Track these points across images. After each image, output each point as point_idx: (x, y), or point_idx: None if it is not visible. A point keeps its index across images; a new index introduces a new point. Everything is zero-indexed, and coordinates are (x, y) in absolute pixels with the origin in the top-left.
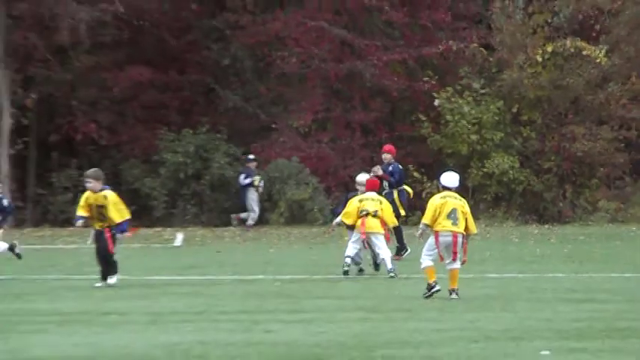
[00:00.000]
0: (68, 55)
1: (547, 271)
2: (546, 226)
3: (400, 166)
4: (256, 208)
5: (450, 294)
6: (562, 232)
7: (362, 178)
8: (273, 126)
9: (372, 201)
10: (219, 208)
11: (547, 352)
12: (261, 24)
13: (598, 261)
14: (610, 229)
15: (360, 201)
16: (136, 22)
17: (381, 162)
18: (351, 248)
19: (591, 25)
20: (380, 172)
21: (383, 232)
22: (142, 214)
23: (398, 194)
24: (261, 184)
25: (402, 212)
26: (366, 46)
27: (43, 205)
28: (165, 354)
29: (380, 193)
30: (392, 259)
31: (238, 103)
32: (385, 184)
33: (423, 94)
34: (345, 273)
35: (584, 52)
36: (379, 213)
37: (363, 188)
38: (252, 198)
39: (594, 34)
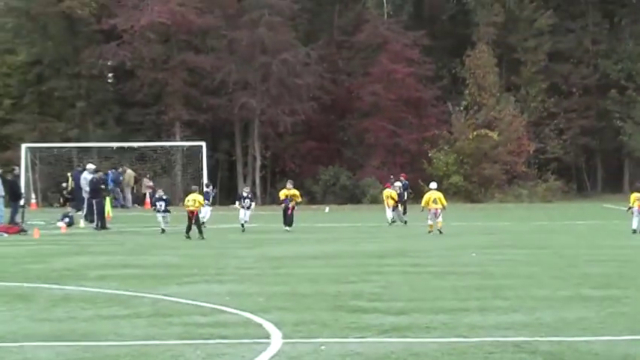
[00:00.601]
0: (282, 136)
1: (476, 222)
2: (474, 204)
3: (407, 183)
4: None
5: (439, 232)
6: (481, 207)
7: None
8: (364, 165)
9: (388, 192)
10: (344, 196)
11: (474, 254)
12: (359, 124)
13: (498, 217)
14: (500, 205)
15: (385, 193)
16: (310, 123)
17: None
18: (388, 214)
19: (492, 123)
20: (399, 186)
21: (393, 205)
22: (312, 200)
23: (406, 196)
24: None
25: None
26: (402, 132)
27: (273, 196)
28: (323, 254)
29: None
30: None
31: (350, 155)
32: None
33: (425, 152)
34: (389, 225)
35: (489, 135)
36: (392, 196)
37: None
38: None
39: (493, 126)
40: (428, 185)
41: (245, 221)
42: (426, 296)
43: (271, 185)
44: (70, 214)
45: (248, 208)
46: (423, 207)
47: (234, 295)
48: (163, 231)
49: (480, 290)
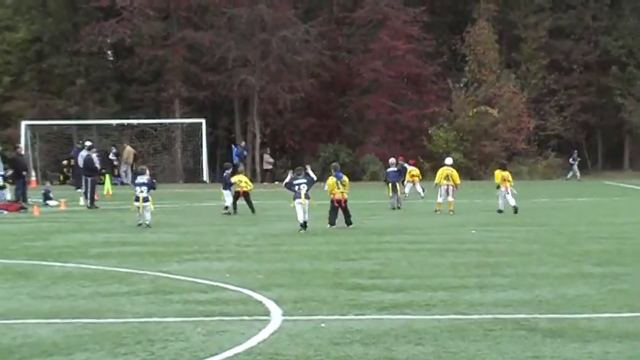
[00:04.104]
0: (281, 113)
1: (476, 199)
2: (474, 182)
3: (404, 165)
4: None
5: (449, 212)
6: (480, 184)
7: (392, 160)
8: (364, 141)
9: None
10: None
11: (474, 231)
12: (359, 100)
13: (497, 195)
14: None
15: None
16: (310, 100)
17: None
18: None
19: (492, 100)
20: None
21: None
22: None
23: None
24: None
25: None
26: (402, 109)
27: (274, 174)
28: (323, 231)
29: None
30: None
31: (350, 131)
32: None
33: (425, 128)
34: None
35: (489, 112)
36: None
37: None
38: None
39: (493, 103)
40: (443, 159)
41: (305, 221)
42: (425, 273)
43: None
44: (48, 190)
45: (307, 196)
46: (437, 183)
47: (234, 273)
48: (226, 208)
49: (479, 267)
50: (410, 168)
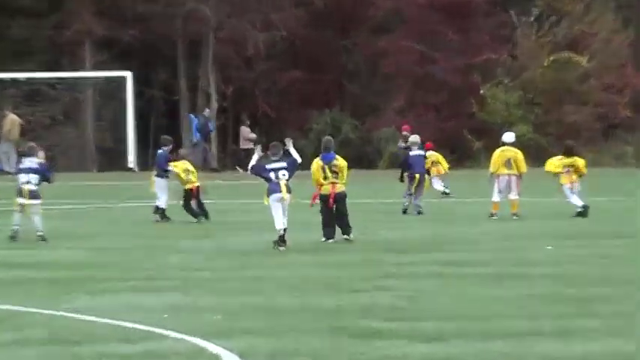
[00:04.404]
0: (251, 63)
1: (553, 195)
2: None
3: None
4: None
5: (512, 216)
6: None
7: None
8: (379, 108)
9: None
10: (348, 156)
11: (550, 247)
12: (371, 43)
13: (587, 188)
14: (591, 170)
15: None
16: (294, 41)
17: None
18: None
19: (579, 42)
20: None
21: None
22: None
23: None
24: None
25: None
26: (439, 57)
27: (237, 156)
28: (315, 246)
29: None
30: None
31: (357, 91)
32: None
33: (474, 87)
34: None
35: (575, 60)
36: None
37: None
38: None
39: (581, 48)
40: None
41: (284, 230)
42: (473, 312)
43: (234, 138)
44: None
45: (288, 189)
46: (493, 173)
47: (176, 311)
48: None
49: (557, 303)
50: (427, 153)
